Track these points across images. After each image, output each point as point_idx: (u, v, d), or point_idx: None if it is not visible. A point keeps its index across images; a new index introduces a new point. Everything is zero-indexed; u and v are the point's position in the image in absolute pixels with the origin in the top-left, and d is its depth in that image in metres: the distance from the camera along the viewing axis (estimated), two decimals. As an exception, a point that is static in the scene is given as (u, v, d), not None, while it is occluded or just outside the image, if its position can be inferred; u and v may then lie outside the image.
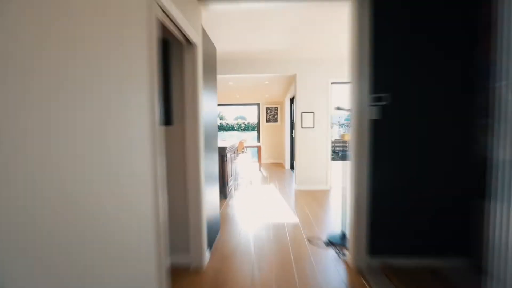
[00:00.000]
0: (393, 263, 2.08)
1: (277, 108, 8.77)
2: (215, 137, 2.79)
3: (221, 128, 12.50)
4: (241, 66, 4.70)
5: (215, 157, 2.82)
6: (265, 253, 2.36)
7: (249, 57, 4.63)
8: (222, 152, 4.17)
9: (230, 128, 12.49)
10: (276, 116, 8.80)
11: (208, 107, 2.35)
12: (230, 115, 22.17)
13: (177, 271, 2.04)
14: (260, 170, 7.27)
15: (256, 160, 8.49)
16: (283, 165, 8.05)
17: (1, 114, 0.50)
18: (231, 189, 4.57)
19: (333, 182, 5.03)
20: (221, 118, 19.29)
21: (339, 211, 3.53)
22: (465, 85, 1.96)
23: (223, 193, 4.23)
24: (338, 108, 2.47)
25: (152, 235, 1.18)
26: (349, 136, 2.48)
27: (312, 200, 4.09)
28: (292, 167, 7.57)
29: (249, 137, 11.68)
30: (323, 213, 3.52)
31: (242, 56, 4.62)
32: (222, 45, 4.03)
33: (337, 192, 4.62)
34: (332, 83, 4.72)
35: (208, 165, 2.35)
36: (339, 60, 4.63)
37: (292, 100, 7.47)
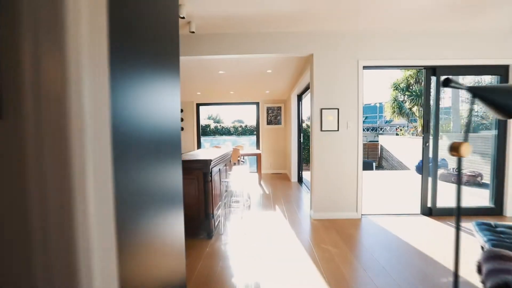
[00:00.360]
0: None
1: (280, 107, 7.37)
2: (176, 147, 1.36)
3: (216, 131, 11.14)
4: (235, 43, 3.30)
5: (175, 179, 1.39)
6: None
7: (245, 30, 3.24)
8: (204, 167, 2.74)
9: (226, 131, 11.13)
10: (278, 118, 7.41)
11: (151, 93, 0.94)
12: (227, 118, 20.85)
13: None
14: (260, 184, 5.84)
15: (255, 170, 7.06)
16: (288, 176, 6.62)
17: None
18: (219, 222, 3.13)
19: (365, 206, 3.61)
20: (217, 121, 17.91)
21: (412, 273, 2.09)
22: None
23: (206, 230, 2.79)
24: (448, 84, 1.07)
25: None
26: (468, 148, 1.10)
27: (342, 243, 2.66)
28: (300, 180, 6.14)
29: (247, 142, 10.29)
30: (367, 273, 2.09)
31: (236, 30, 3.22)
32: (205, 9, 2.64)
33: (373, 224, 3.18)
34: (365, 67, 3.33)
35: (149, 195, 0.94)
36: (376, 34, 3.25)
37: (300, 96, 6.08)
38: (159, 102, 1.00)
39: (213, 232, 2.85)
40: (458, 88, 1.07)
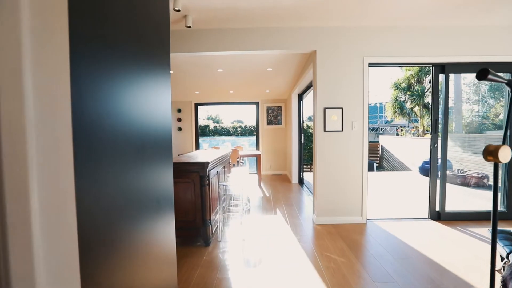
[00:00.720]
0: None
1: (280, 107, 7.21)
2: (165, 148, 1.20)
3: (215, 132, 10.98)
4: (234, 39, 3.14)
5: (164, 182, 1.23)
6: None
7: (246, 25, 3.08)
8: (200, 170, 2.57)
9: (225, 132, 10.97)
10: (279, 118, 7.25)
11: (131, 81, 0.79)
12: (226, 118, 20.67)
13: None
14: (260, 186, 5.67)
15: (255, 172, 6.90)
16: (289, 178, 6.46)
17: None
18: (217, 227, 2.97)
19: (370, 210, 3.44)
20: (217, 122, 17.74)
21: None
22: None
23: (203, 237, 2.62)
24: (485, 76, 0.90)
25: None
26: (508, 152, 0.94)
27: (348, 251, 2.49)
28: (301, 181, 5.98)
29: (247, 143, 10.12)
30: (376, 284, 1.93)
31: (236, 25, 3.06)
32: (202, 1, 2.48)
33: (380, 229, 3.02)
34: (370, 64, 3.17)
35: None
36: (382, 30, 3.09)
37: (301, 95, 5.92)
38: (144, 100, 0.84)
39: (210, 239, 2.68)
40: (497, 81, 0.91)
